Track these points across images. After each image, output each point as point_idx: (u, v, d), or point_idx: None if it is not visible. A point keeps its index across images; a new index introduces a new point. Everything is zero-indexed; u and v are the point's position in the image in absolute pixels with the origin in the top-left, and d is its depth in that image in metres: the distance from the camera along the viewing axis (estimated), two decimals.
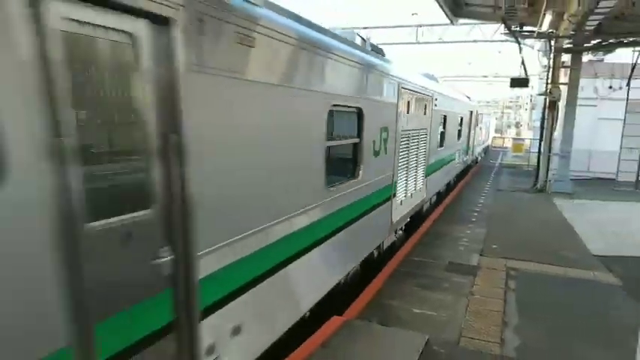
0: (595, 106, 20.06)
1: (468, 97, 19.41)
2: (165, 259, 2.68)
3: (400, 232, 8.50)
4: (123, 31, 2.34)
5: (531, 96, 40.31)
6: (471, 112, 18.53)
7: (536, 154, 16.82)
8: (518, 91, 50.27)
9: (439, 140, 11.39)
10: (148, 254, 2.62)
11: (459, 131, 15.02)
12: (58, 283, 2.09)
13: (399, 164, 7.56)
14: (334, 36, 4.98)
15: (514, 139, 28.80)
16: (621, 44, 15.07)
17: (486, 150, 29.43)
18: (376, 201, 6.52)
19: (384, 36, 28.46)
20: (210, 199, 2.96)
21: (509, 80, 15.75)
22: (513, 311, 5.94)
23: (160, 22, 2.48)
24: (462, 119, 15.35)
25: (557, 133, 16.34)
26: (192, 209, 2.78)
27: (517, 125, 59.47)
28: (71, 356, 2.13)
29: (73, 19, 2.13)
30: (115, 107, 2.36)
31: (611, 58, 19.89)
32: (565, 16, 13.72)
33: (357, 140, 5.66)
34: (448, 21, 19.16)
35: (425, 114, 9.07)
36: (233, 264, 3.27)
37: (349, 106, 5.25)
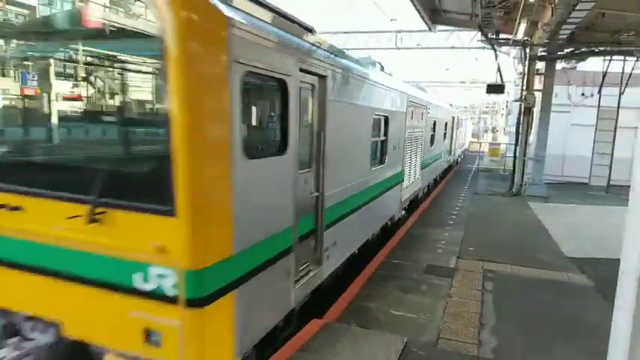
0: (568, 112, 20.59)
1: (450, 105, 21.93)
2: (315, 194, 5.27)
3: (404, 211, 11.00)
4: (312, 83, 5.01)
5: (507, 102, 41.02)
6: (453, 117, 20.86)
7: (512, 159, 17.15)
8: (494, 97, 50.51)
9: (430, 141, 13.68)
10: (310, 190, 5.15)
11: (444, 134, 17.41)
12: (293, 201, 4.58)
13: (405, 158, 10.06)
14: (370, 67, 7.66)
15: (490, 143, 29.12)
16: (592, 53, 15.52)
17: (464, 153, 30.26)
18: (393, 183, 9.04)
19: (362, 40, 28.67)
20: (330, 165, 5.47)
21: (485, 86, 16.03)
22: (490, 312, 6.04)
23: (322, 77, 5.19)
24: (446, 124, 17.64)
25: (532, 138, 16.70)
26: (326, 170, 5.33)
27: (493, 130, 60.44)
28: (292, 230, 4.59)
29: (303, 82, 4.76)
30: (306, 120, 4.96)
31: (583, 66, 20.45)
32: (539, 25, 14.07)
33: (384, 138, 8.21)
34: (427, 28, 19.41)
35: (421, 120, 11.49)
36: (334, 205, 5.73)
37: (381, 115, 7.83)
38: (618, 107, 17.18)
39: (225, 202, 3.39)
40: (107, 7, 3.28)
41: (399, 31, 28.21)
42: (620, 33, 14.88)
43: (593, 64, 19.55)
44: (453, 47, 27.28)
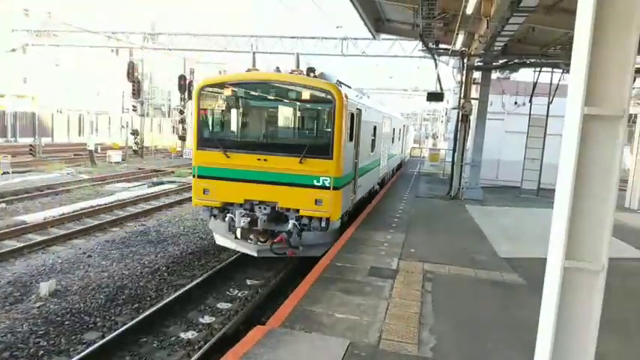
0: (502, 119, 21.67)
1: (401, 115, 28.91)
2: (356, 161, 10.95)
3: (377, 186, 16.63)
4: (358, 113, 10.89)
5: (446, 109, 42.24)
6: (404, 125, 26.63)
7: (451, 164, 17.80)
8: (434, 104, 52.00)
9: (392, 141, 19.45)
10: (355, 159, 10.91)
11: (399, 137, 23.68)
12: (353, 161, 10.70)
13: (381, 150, 15.94)
14: (365, 96, 14.40)
15: (431, 149, 30.77)
16: (524, 65, 16.43)
17: (407, 158, 31.61)
18: (377, 164, 15.04)
19: (310, 46, 28.81)
20: (360, 148, 11.29)
21: (426, 94, 16.55)
22: (429, 312, 6.24)
23: (359, 110, 11.05)
24: (400, 130, 23.47)
25: (469, 144, 17.39)
26: (358, 150, 11.09)
27: (434, 136, 62.16)
28: (352, 174, 10.71)
29: (356, 113, 10.85)
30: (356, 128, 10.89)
31: (516, 76, 21.61)
32: (475, 36, 14.72)
33: (374, 138, 13.67)
34: (371, 36, 19.82)
35: (389, 126, 17.66)
36: (360, 167, 11.46)
37: (374, 124, 13.64)
38: (547, 116, 18.26)
39: (342, 157, 9.26)
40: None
41: (345, 38, 28.66)
42: (548, 46, 15.86)
43: (525, 75, 20.70)
44: (395, 56, 28.04)
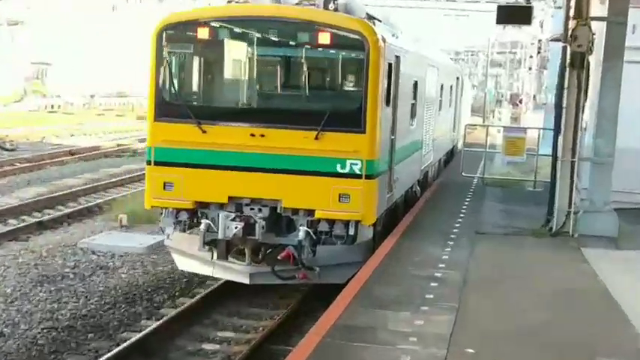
0: None
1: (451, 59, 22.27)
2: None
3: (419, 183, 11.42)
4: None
5: (539, 42, 23.78)
6: (457, 77, 16.48)
7: (551, 161, 8.99)
8: (512, 30, 26.50)
9: (439, 109, 12.48)
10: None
11: (450, 102, 14.79)
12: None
13: (426, 123, 11.03)
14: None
15: (506, 129, 14.23)
16: None
17: (454, 149, 17.76)
18: (433, 143, 12.17)
19: None
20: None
21: (496, 10, 8.27)
22: None
23: (398, 57, 7.90)
24: (451, 88, 14.58)
25: (588, 118, 8.67)
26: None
27: (513, 101, 34.89)
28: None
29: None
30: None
31: None
32: None
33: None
34: None
35: (432, 82, 11.10)
36: (402, 146, 8.24)
37: (416, 78, 9.42)
38: None
39: (378, 130, 6.88)
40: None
41: None
42: None
43: None
44: None
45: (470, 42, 40.89)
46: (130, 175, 14.77)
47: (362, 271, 6.84)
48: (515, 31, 23.59)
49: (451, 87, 14.40)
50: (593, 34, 8.03)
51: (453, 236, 8.40)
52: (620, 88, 8.30)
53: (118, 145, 20.67)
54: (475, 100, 33.05)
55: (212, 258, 6.48)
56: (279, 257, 6.36)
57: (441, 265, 7.00)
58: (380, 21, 7.63)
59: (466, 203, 10.62)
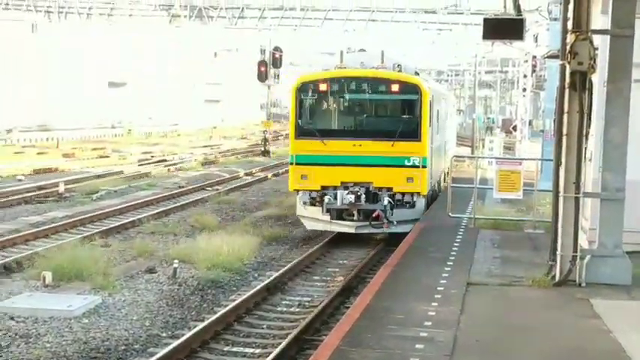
0: None
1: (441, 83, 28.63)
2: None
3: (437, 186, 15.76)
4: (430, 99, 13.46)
5: (534, 60, 21.49)
6: (444, 100, 18.14)
7: (552, 196, 7.74)
8: (502, 46, 23.35)
9: (444, 131, 16.66)
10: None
11: (442, 127, 16.53)
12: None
13: (440, 138, 15.13)
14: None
15: (499, 161, 12.51)
16: None
17: (440, 183, 15.89)
18: (442, 157, 16.43)
19: None
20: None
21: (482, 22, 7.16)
22: None
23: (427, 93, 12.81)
24: (444, 113, 16.91)
25: (594, 147, 7.49)
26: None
27: (506, 127, 31.73)
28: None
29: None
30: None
31: None
32: None
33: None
34: None
35: (442, 109, 15.77)
36: (435, 148, 13.13)
37: (437, 107, 13.96)
38: None
39: (427, 139, 11.49)
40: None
41: None
42: None
43: None
44: None
45: (454, 60, 37.28)
46: (55, 225, 12.22)
47: (331, 335, 5.74)
48: (503, 45, 21.65)
49: (445, 113, 16.87)
50: (596, 49, 6.95)
51: (440, 288, 7.14)
52: (629, 111, 7.17)
53: (40, 189, 17.10)
54: (462, 127, 30.56)
55: (330, 219, 10.97)
56: (372, 216, 10.69)
57: (427, 323, 6.00)
58: (418, 74, 12.76)
59: (455, 248, 9.29)
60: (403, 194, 10.81)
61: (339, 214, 10.76)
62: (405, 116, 11.57)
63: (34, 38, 40.01)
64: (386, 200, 10.58)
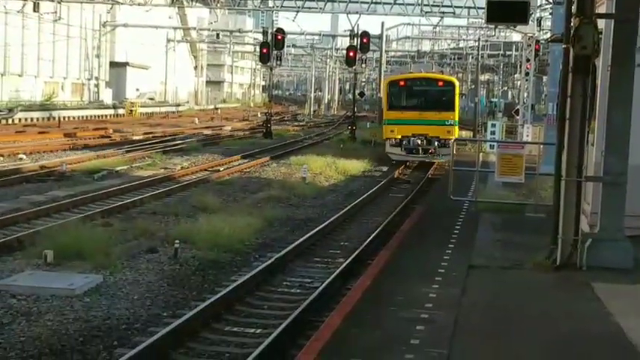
0: None
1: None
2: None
3: None
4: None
5: (537, 44, 22.99)
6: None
7: (554, 179, 7.73)
8: (505, 30, 26.86)
9: None
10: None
11: None
12: None
13: None
14: None
15: (501, 145, 12.34)
16: None
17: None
18: None
19: None
20: None
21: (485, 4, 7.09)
22: None
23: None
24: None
25: (597, 131, 7.46)
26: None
27: (509, 111, 32.63)
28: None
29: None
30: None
31: None
32: None
33: None
34: None
35: None
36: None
37: None
38: None
39: (457, 110, 23.45)
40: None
41: None
42: None
43: None
44: None
45: (457, 43, 38.90)
46: (57, 204, 12.05)
47: (333, 316, 5.78)
48: (506, 30, 22.85)
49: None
50: (600, 33, 6.86)
51: (441, 271, 7.17)
52: (632, 96, 7.11)
53: (42, 168, 16.93)
54: (464, 111, 32.11)
55: (406, 153, 20.90)
56: (429, 151, 20.73)
57: (428, 305, 6.03)
58: (442, 71, 28.08)
59: (456, 231, 9.29)
60: (445, 140, 19.93)
61: (411, 150, 20.51)
62: (444, 98, 21.37)
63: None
64: (436, 143, 20.34)
